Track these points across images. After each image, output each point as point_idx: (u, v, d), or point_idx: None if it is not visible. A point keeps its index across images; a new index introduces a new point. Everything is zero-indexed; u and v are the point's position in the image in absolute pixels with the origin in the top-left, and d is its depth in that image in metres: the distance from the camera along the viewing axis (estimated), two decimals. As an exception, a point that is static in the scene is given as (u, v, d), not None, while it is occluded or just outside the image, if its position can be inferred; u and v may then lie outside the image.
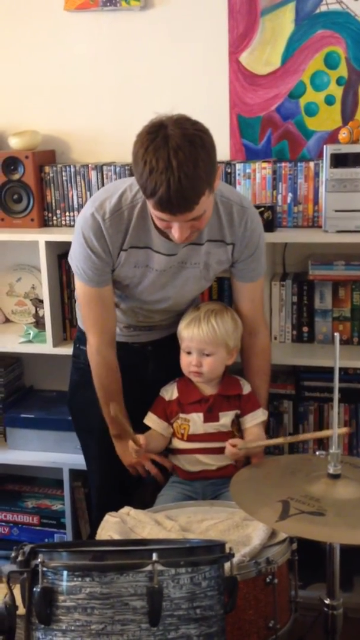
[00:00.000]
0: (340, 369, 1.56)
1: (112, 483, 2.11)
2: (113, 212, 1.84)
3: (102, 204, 1.85)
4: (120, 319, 2.06)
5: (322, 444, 2.42)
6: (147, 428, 2.02)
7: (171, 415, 2.00)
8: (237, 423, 2.01)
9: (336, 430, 1.51)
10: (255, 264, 1.99)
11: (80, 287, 1.96)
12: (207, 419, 1.96)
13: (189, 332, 1.94)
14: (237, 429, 2.00)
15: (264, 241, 2.00)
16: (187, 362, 1.96)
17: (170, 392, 2.03)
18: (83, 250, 1.87)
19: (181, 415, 1.98)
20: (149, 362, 2.08)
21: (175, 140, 1.61)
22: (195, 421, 1.96)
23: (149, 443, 1.95)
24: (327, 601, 1.57)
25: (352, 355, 2.31)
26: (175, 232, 1.72)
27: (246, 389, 2.04)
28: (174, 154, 1.59)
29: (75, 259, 1.91)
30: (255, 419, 2.02)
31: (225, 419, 1.98)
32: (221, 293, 2.41)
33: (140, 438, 1.91)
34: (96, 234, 1.85)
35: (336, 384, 1.52)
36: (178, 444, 2.00)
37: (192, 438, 1.97)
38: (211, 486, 1.95)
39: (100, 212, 1.84)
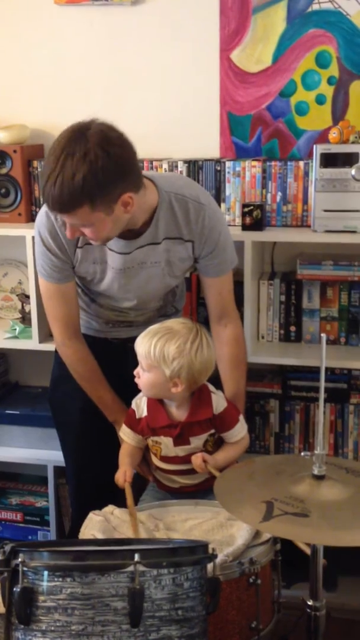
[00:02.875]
0: (327, 368, 1.56)
1: (90, 479, 2.10)
2: None
3: None
4: (100, 314, 2.06)
5: (308, 444, 2.42)
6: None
7: (142, 432, 1.92)
8: (211, 440, 1.91)
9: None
10: (218, 260, 1.96)
11: (41, 283, 2.00)
12: (177, 444, 1.86)
13: (136, 341, 1.86)
14: (211, 445, 1.90)
15: (226, 237, 1.96)
16: (135, 371, 1.89)
17: (141, 409, 1.91)
18: (41, 247, 1.91)
19: (152, 437, 1.91)
20: (129, 358, 2.07)
21: (77, 148, 1.63)
22: (166, 444, 1.88)
23: (132, 471, 1.94)
24: (310, 602, 1.57)
25: (339, 355, 2.31)
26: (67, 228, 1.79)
27: (219, 407, 1.88)
28: (64, 158, 1.63)
29: (36, 256, 1.96)
30: (233, 437, 1.91)
31: (197, 441, 1.88)
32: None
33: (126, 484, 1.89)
34: (50, 232, 1.88)
35: (322, 384, 1.51)
36: (154, 460, 1.95)
37: (164, 459, 1.91)
38: (192, 496, 1.92)
39: None
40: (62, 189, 1.64)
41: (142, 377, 1.85)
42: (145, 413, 1.91)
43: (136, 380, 1.88)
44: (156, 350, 1.80)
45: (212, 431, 1.90)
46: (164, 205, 1.86)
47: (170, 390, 1.83)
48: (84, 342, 2.05)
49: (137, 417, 1.93)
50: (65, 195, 1.65)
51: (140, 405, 1.93)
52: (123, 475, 1.91)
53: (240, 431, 1.93)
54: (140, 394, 1.94)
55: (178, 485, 1.94)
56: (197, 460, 1.85)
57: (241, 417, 1.96)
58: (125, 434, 1.96)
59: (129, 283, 1.94)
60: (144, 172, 2.13)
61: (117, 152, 1.65)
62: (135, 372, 1.88)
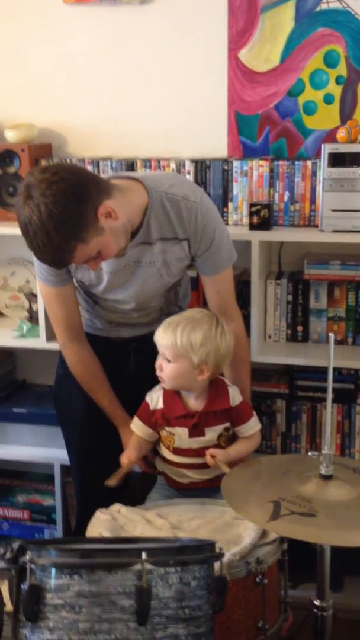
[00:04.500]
0: (334, 369, 1.56)
1: (95, 477, 2.11)
2: None
3: None
4: (102, 315, 2.07)
5: (314, 444, 2.42)
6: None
7: (156, 425, 1.94)
8: (225, 435, 1.93)
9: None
10: (215, 258, 1.96)
11: (40, 286, 2.04)
12: (192, 435, 1.89)
13: (157, 334, 1.89)
14: (224, 440, 1.93)
15: (221, 233, 1.96)
16: (157, 364, 1.92)
17: (156, 401, 1.94)
18: None
19: (166, 427, 1.93)
20: (131, 358, 2.08)
21: (28, 209, 1.65)
22: (181, 435, 1.90)
23: (137, 456, 1.96)
24: (317, 602, 1.57)
25: (346, 356, 2.30)
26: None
27: (235, 399, 1.93)
28: (29, 222, 1.66)
29: (34, 260, 1.96)
30: (247, 431, 1.94)
31: (212, 434, 1.91)
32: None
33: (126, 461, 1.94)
34: None
35: (330, 384, 1.51)
36: (165, 453, 1.96)
37: (177, 452, 1.92)
38: (200, 493, 1.92)
39: None
40: (50, 252, 1.68)
41: (167, 368, 1.87)
42: (160, 405, 1.93)
43: (158, 373, 1.90)
44: (183, 339, 1.83)
45: (227, 425, 1.93)
46: (155, 205, 1.86)
47: (196, 379, 1.86)
48: (86, 344, 2.06)
49: (151, 409, 1.94)
50: (57, 254, 1.70)
51: (154, 398, 1.95)
52: (128, 457, 1.93)
53: (254, 425, 1.96)
54: (157, 387, 1.95)
55: (188, 481, 1.94)
56: (208, 458, 1.87)
57: (254, 413, 1.99)
58: (136, 426, 1.97)
59: (126, 283, 1.94)
60: (131, 173, 2.14)
61: (60, 188, 1.64)
62: (157, 366, 1.90)
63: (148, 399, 1.96)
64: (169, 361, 1.86)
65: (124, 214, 1.78)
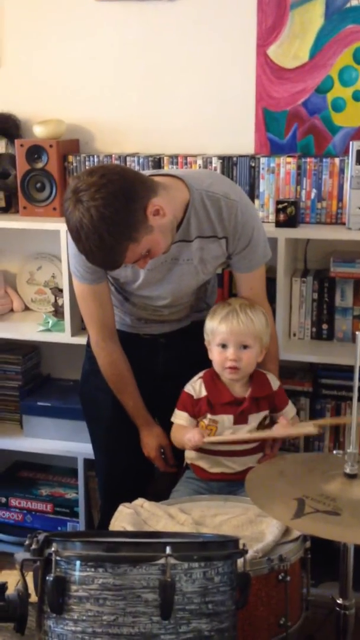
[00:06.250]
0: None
1: (120, 473, 2.12)
2: None
3: None
4: (132, 312, 2.08)
5: (338, 443, 2.40)
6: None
7: (199, 413, 1.95)
8: (264, 424, 1.96)
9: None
10: (251, 256, 1.96)
11: (75, 284, 2.02)
12: (236, 422, 1.92)
13: (227, 325, 1.89)
14: (262, 429, 1.96)
15: (259, 232, 1.96)
16: (222, 358, 1.91)
17: (198, 390, 1.96)
18: (74, 250, 1.91)
19: (210, 416, 1.94)
20: (160, 354, 2.08)
21: (78, 213, 1.65)
22: (224, 423, 1.92)
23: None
24: (339, 601, 1.57)
25: (372, 354, 2.29)
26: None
27: (275, 384, 1.99)
28: (80, 226, 1.66)
29: (70, 257, 1.98)
30: (287, 417, 1.98)
31: (254, 421, 1.94)
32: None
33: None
34: None
35: (356, 383, 1.50)
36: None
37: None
38: (227, 487, 1.93)
39: None
40: (102, 254, 1.69)
41: (245, 355, 1.91)
42: (204, 393, 1.95)
43: (235, 364, 1.90)
44: (259, 321, 1.92)
45: (267, 413, 1.97)
46: (196, 203, 1.86)
47: (257, 360, 1.94)
48: (118, 344, 2.06)
49: (195, 398, 1.96)
50: (109, 256, 1.70)
51: (196, 388, 1.97)
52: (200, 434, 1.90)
53: (291, 410, 2.03)
54: (194, 378, 1.97)
55: (219, 471, 1.95)
56: (282, 423, 1.93)
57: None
58: (180, 417, 1.97)
59: (163, 280, 1.95)
60: (169, 170, 2.14)
61: (110, 190, 1.64)
62: (234, 358, 1.90)
63: (189, 389, 1.97)
64: (245, 347, 1.90)
65: (170, 211, 1.78)
